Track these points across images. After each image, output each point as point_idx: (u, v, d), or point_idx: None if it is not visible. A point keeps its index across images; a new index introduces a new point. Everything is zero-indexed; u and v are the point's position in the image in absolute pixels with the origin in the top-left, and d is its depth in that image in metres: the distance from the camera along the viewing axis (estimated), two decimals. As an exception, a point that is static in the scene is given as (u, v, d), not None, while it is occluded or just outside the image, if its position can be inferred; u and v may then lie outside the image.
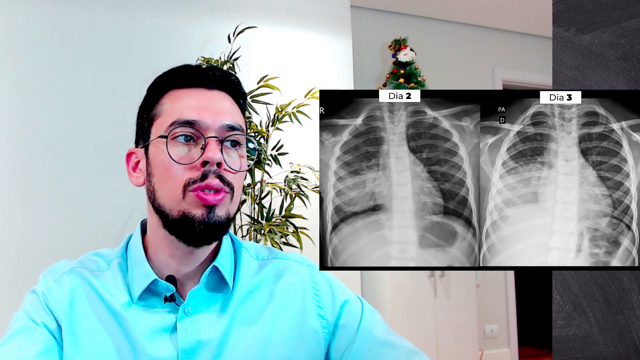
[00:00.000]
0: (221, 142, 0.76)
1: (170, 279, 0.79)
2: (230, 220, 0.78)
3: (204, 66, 0.82)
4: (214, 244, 0.81)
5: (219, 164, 0.75)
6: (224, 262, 0.82)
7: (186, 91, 0.79)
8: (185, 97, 0.79)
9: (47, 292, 0.77)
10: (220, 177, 0.75)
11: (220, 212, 0.76)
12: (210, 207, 0.75)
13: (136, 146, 0.83)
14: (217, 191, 0.75)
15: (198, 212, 0.74)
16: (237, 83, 0.83)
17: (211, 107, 0.78)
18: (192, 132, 0.76)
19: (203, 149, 0.75)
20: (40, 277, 0.81)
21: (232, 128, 0.78)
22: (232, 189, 0.77)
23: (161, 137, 0.77)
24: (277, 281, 0.84)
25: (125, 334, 0.76)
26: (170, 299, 0.78)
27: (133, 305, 0.78)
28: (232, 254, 0.85)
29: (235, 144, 0.79)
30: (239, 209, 0.84)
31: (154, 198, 0.78)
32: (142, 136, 0.81)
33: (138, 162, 0.82)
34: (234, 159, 0.78)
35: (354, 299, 0.86)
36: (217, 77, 0.81)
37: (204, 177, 0.74)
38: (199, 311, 0.78)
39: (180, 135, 0.76)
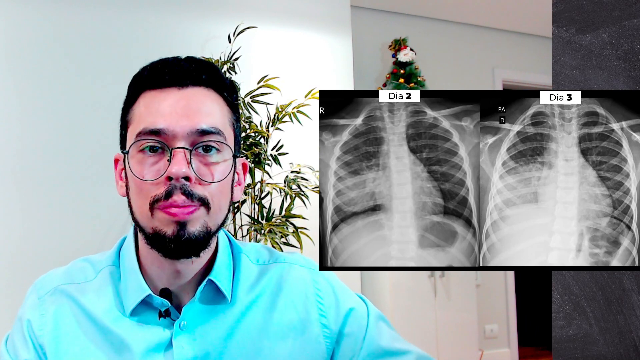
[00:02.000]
0: (191, 151, 0.69)
1: (165, 291, 0.74)
2: (210, 233, 0.72)
3: (180, 58, 0.74)
4: (204, 256, 0.76)
5: (187, 178, 0.68)
6: (220, 273, 0.76)
7: (158, 93, 0.72)
8: (155, 101, 0.71)
9: (31, 318, 0.74)
10: (187, 193, 0.68)
11: (193, 228, 0.69)
12: (181, 224, 0.68)
13: (121, 152, 0.77)
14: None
15: (169, 230, 0.69)
16: (216, 73, 0.75)
17: (181, 111, 0.70)
18: (158, 142, 0.69)
19: (170, 160, 0.68)
20: (27, 292, 0.78)
21: (204, 133, 0.70)
22: (205, 202, 0.70)
23: (124, 153, 0.72)
24: (277, 290, 0.80)
25: (119, 352, 0.72)
26: (165, 314, 0.73)
27: (125, 319, 0.74)
28: (230, 262, 0.80)
29: (210, 148, 0.71)
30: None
31: (132, 212, 0.73)
32: (122, 142, 0.76)
33: (122, 170, 0.75)
34: (208, 169, 0.71)
35: (360, 304, 0.82)
36: (191, 71, 0.72)
37: (168, 194, 0.68)
38: (195, 326, 0.74)
39: (147, 146, 0.70)
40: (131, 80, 0.75)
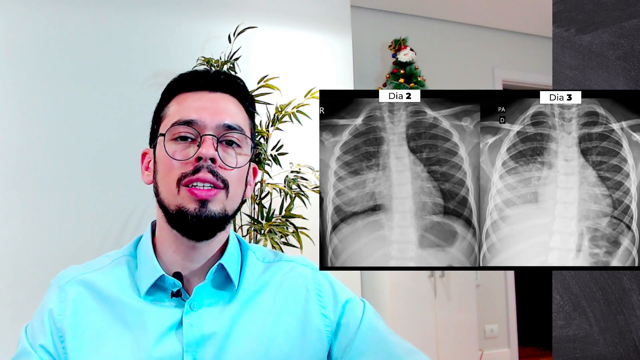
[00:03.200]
0: (218, 140, 0.80)
1: (177, 275, 0.81)
2: (227, 216, 0.81)
3: (211, 71, 0.87)
4: (217, 241, 0.84)
5: (213, 160, 0.78)
6: (230, 261, 0.84)
7: (191, 94, 0.84)
8: (189, 99, 0.83)
9: (52, 306, 0.80)
10: (213, 173, 0.78)
11: (214, 207, 0.78)
12: (203, 202, 0.78)
13: (150, 147, 0.88)
14: (210, 187, 0.78)
15: (191, 207, 0.77)
16: (241, 86, 0.87)
17: (211, 108, 0.82)
18: (190, 131, 0.80)
19: (199, 146, 0.79)
20: (49, 286, 0.85)
21: (229, 128, 0.81)
22: (226, 185, 0.79)
23: (160, 135, 0.82)
24: (281, 281, 0.87)
25: (132, 329, 0.78)
26: (176, 294, 0.80)
27: (140, 299, 0.81)
28: (239, 255, 0.88)
29: (232, 143, 0.82)
30: (239, 208, 0.84)
31: (157, 193, 0.82)
32: (152, 137, 0.87)
33: (150, 161, 0.86)
34: (231, 156, 0.81)
35: (356, 299, 0.89)
36: (221, 80, 0.85)
37: (196, 170, 0.78)
38: (204, 306, 0.81)
39: (180, 134, 0.80)
40: (166, 86, 0.87)
